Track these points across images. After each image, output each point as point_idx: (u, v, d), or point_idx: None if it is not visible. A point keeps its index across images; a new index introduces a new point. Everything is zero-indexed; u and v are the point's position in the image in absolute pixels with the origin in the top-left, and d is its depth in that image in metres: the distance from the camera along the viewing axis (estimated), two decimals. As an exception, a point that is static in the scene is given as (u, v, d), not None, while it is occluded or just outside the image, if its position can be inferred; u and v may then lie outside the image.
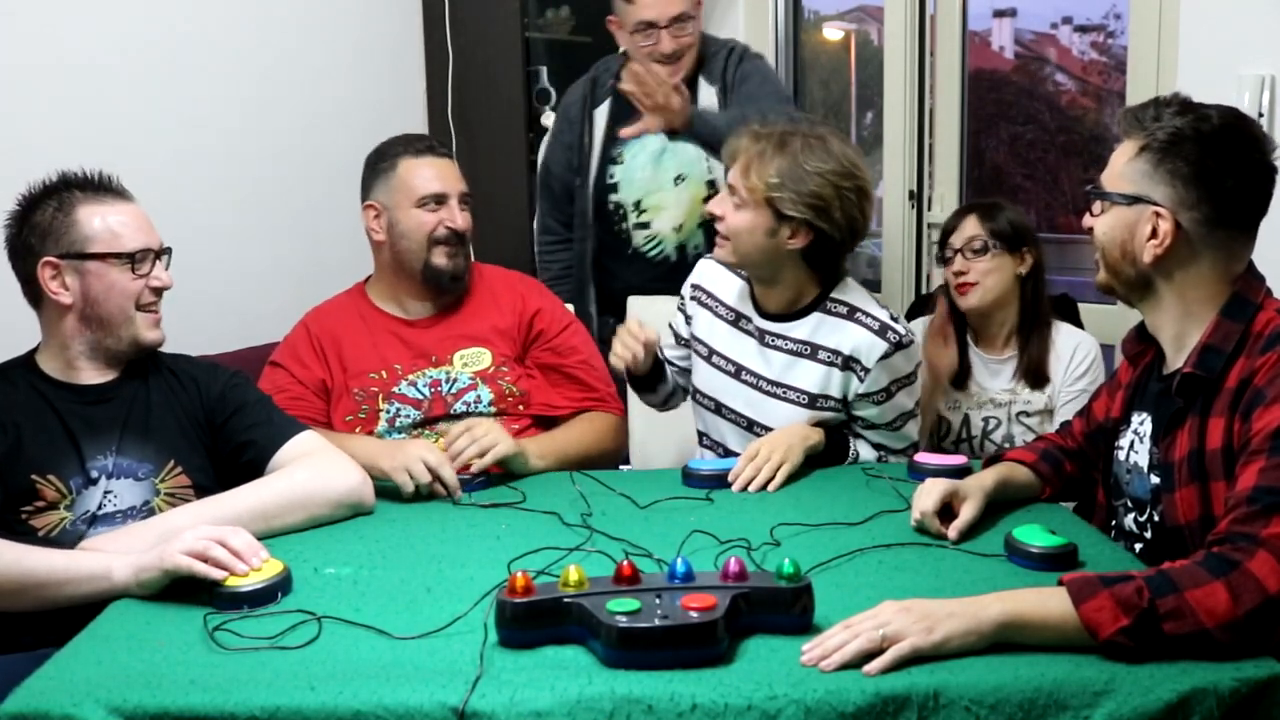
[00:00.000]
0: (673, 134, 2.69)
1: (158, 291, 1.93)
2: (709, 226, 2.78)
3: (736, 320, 2.26)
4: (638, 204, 2.87)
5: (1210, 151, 1.58)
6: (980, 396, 2.50)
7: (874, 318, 2.14)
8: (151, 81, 2.94)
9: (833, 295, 2.18)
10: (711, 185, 2.83)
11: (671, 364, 2.40)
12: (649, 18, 2.71)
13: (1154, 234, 1.61)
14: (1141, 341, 1.80)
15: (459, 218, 2.30)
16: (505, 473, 2.12)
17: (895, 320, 2.15)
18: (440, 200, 2.29)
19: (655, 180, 2.87)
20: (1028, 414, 2.45)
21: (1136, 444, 1.76)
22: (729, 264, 2.24)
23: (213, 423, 1.97)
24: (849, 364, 2.14)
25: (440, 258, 2.29)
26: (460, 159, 3.20)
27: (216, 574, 1.55)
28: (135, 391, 1.93)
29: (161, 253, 1.94)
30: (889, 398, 2.17)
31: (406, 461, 1.98)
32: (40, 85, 2.73)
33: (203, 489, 1.91)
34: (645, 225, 2.89)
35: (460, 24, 3.55)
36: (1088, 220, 1.71)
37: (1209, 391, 1.60)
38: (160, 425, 1.92)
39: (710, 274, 2.32)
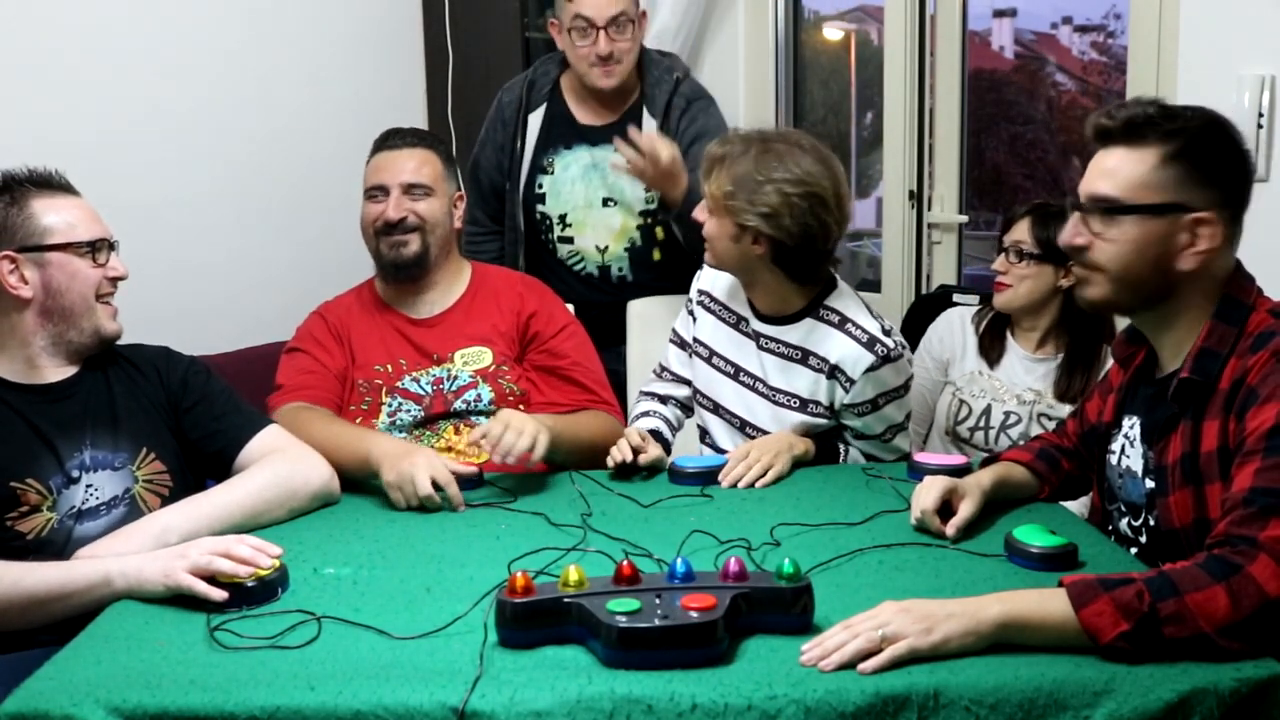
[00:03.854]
0: (665, 209, 2.66)
1: (114, 282, 1.94)
2: (635, 253, 2.83)
3: (737, 323, 2.28)
4: (563, 218, 2.85)
5: (1233, 147, 1.59)
6: (1009, 389, 2.50)
7: (863, 329, 2.13)
8: (151, 82, 2.95)
9: (827, 302, 2.18)
10: (647, 216, 2.80)
11: (669, 419, 2.40)
12: (588, 14, 2.68)
13: (1192, 241, 1.57)
14: (1132, 344, 1.79)
15: (393, 208, 2.28)
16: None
17: (887, 333, 2.14)
18: (384, 191, 2.30)
19: (583, 197, 2.83)
20: (1049, 417, 2.44)
21: (1127, 448, 1.75)
22: (710, 266, 2.26)
23: (176, 408, 1.99)
24: (834, 373, 2.15)
25: (383, 246, 2.30)
26: (460, 159, 3.20)
27: (218, 594, 1.55)
28: (96, 384, 1.93)
29: (113, 244, 1.94)
30: (875, 409, 2.17)
31: (400, 482, 1.96)
32: (41, 86, 2.74)
33: (176, 472, 1.94)
34: (569, 240, 2.87)
35: (460, 24, 3.55)
36: (1078, 238, 1.62)
37: (1201, 394, 1.60)
38: (127, 415, 1.93)
39: (714, 278, 2.33)
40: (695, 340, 2.34)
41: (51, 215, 1.87)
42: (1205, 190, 1.57)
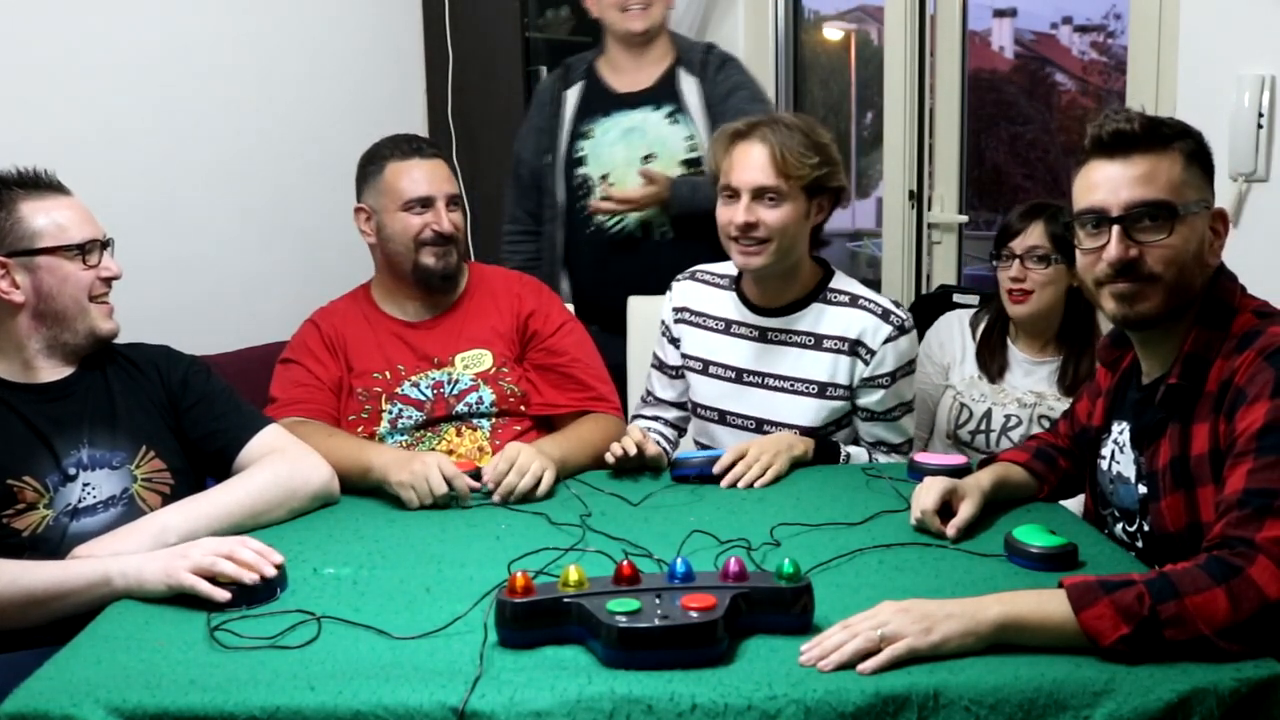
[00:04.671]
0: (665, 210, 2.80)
1: (108, 281, 1.93)
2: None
3: (728, 328, 2.29)
4: (604, 177, 2.86)
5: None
6: (1010, 393, 2.50)
7: (876, 304, 2.20)
8: (151, 83, 2.94)
9: (831, 286, 2.23)
10: (690, 165, 2.81)
11: (665, 435, 2.42)
12: None
13: (1217, 236, 1.62)
14: (1118, 348, 1.79)
15: (445, 220, 2.28)
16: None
17: (897, 305, 2.21)
18: (426, 203, 2.28)
19: (624, 156, 2.85)
20: (1050, 419, 2.44)
21: (1117, 454, 1.75)
22: (761, 269, 2.17)
23: (176, 407, 1.99)
24: (855, 348, 2.19)
25: (428, 258, 2.28)
26: (460, 159, 3.20)
27: (222, 595, 1.54)
28: (95, 383, 1.93)
29: (106, 243, 1.93)
30: (892, 382, 2.21)
31: (414, 480, 1.97)
32: (41, 87, 2.73)
33: (177, 471, 1.94)
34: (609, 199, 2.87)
35: (460, 24, 3.55)
36: (1132, 250, 1.57)
37: (1189, 398, 1.60)
38: (126, 413, 1.92)
39: (689, 293, 2.36)
40: (685, 358, 2.35)
41: (41, 217, 1.86)
42: (1211, 186, 1.62)
